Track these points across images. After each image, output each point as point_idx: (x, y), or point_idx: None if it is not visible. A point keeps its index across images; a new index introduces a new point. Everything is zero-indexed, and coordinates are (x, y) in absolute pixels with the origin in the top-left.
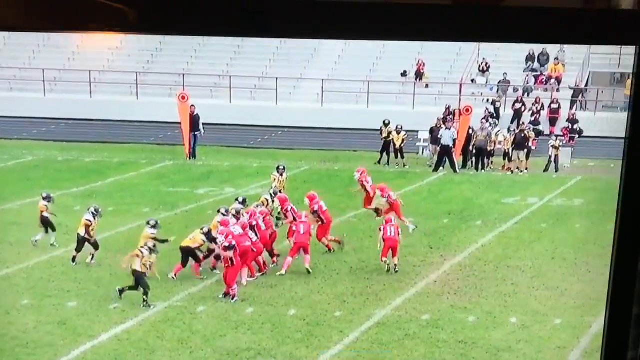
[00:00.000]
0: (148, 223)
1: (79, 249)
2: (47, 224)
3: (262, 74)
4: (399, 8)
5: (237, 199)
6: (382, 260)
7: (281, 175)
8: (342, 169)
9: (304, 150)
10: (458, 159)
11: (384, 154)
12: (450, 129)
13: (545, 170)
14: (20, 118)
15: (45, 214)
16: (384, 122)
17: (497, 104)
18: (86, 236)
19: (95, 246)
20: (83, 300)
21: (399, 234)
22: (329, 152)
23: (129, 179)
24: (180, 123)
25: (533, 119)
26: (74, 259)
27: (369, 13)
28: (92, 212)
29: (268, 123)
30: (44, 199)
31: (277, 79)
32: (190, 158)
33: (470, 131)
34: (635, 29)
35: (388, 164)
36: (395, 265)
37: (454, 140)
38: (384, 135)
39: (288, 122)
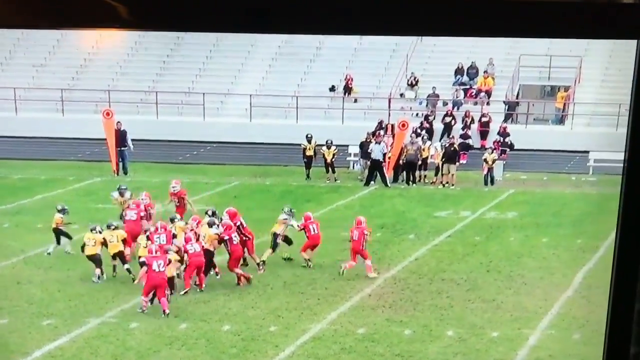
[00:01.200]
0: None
1: (99, 265)
2: (60, 235)
3: (188, 89)
4: (398, 3)
5: (206, 212)
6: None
7: (122, 195)
8: (273, 183)
9: (234, 165)
10: (389, 173)
11: (309, 168)
12: (380, 143)
13: (486, 183)
14: None
15: (60, 226)
16: (306, 136)
17: (431, 118)
18: (100, 253)
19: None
20: (14, 317)
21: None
22: (259, 167)
23: (57, 196)
24: (106, 139)
25: (463, 132)
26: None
27: (368, 8)
28: (99, 230)
29: (196, 138)
30: (59, 211)
31: (204, 94)
32: (118, 174)
33: (403, 145)
34: (636, 23)
35: (309, 177)
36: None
37: (384, 155)
38: (309, 152)
39: (217, 137)
